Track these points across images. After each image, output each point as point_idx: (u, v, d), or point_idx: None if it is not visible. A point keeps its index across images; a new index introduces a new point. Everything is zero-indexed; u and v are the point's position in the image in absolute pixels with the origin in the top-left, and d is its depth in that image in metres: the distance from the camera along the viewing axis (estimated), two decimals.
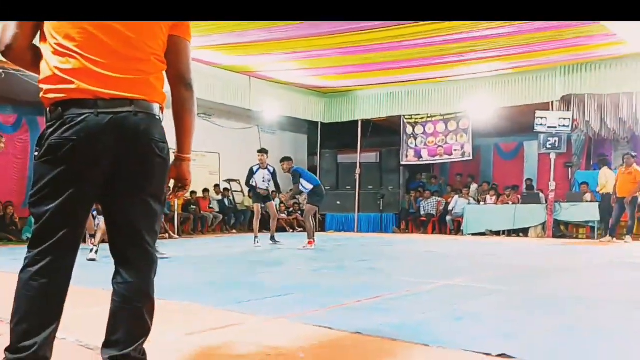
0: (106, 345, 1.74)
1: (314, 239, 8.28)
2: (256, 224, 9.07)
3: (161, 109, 1.80)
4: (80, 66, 1.64)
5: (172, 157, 1.85)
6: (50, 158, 1.63)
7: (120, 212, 1.75)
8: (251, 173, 9.10)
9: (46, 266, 1.65)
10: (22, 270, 1.66)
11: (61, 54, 1.65)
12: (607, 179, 10.68)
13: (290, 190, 10.05)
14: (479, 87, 12.04)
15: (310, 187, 8.45)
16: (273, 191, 9.65)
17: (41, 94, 1.69)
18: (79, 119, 1.62)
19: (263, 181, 9.06)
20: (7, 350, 1.63)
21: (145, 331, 1.76)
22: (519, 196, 12.34)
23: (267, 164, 9.10)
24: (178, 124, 1.85)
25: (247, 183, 9.33)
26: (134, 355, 1.71)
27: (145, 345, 1.80)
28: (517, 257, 7.43)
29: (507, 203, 12.29)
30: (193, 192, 12.47)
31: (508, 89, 11.72)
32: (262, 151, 9.26)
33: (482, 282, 4.67)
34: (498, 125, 12.82)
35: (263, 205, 9.21)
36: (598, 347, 2.50)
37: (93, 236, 8.29)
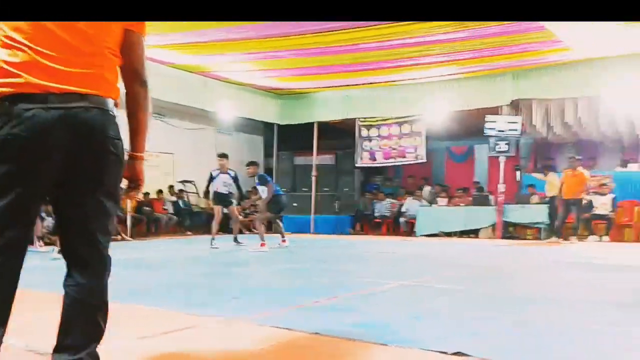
0: (57, 349, 1.67)
1: (265, 242, 8.25)
2: (215, 225, 8.96)
3: (115, 104, 1.73)
4: (29, 59, 1.56)
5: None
6: None
7: (72, 211, 1.68)
8: (211, 178, 9.00)
9: None
10: None
11: (9, 46, 1.57)
12: (553, 183, 11.14)
13: (251, 196, 10.02)
14: (432, 91, 12.27)
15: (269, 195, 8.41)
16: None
17: None
18: (28, 114, 1.55)
19: (224, 185, 8.97)
20: None
21: (98, 335, 1.70)
22: (470, 198, 12.66)
23: (228, 169, 9.01)
24: (131, 122, 1.80)
25: (207, 188, 9.22)
26: None
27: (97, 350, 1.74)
28: (469, 257, 7.61)
29: (459, 205, 12.58)
30: (146, 194, 12.17)
31: (460, 93, 11.99)
32: (223, 156, 9.13)
33: (438, 282, 4.76)
34: (450, 128, 13.11)
35: (225, 210, 9.11)
36: (552, 344, 2.58)
37: (40, 238, 8.02)
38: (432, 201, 13.26)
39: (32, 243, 9.25)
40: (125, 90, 1.79)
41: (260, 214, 8.79)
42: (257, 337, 2.59)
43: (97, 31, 1.65)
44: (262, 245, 8.14)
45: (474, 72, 11.51)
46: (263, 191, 8.51)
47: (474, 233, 12.01)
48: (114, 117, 1.71)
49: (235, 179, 9.05)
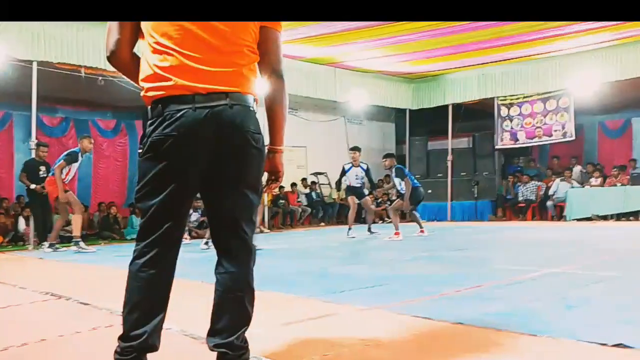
0: (211, 333, 1.77)
1: (399, 231, 8.15)
2: (351, 215, 9.07)
3: (255, 100, 1.80)
4: (177, 63, 1.67)
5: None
6: (152, 155, 1.69)
7: (219, 204, 1.78)
8: (343, 172, 9.10)
9: (153, 257, 1.71)
10: (131, 263, 1.74)
11: (159, 52, 1.69)
12: None
13: (383, 185, 9.97)
14: (580, 62, 11.22)
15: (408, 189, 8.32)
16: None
17: (142, 93, 1.75)
18: (178, 114, 1.66)
19: (356, 178, 9.03)
20: (119, 338, 1.71)
21: (246, 319, 1.79)
22: (628, 177, 11.37)
23: (360, 162, 9.04)
24: (270, 116, 1.85)
25: (338, 181, 9.34)
26: (237, 344, 1.73)
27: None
28: (628, 241, 6.85)
29: (615, 185, 11.38)
30: (281, 187, 12.69)
31: (612, 62, 10.81)
32: (355, 149, 9.16)
33: (592, 269, 4.34)
34: (603, 101, 11.87)
35: (358, 201, 9.19)
36: None
37: (187, 231, 8.76)
38: (583, 182, 12.15)
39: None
40: (263, 86, 1.84)
41: (396, 204, 8.71)
42: (397, 326, 2.55)
43: (236, 30, 1.72)
44: (397, 234, 8.08)
45: (627, 37, 10.29)
46: (399, 184, 8.43)
47: (634, 215, 10.79)
48: (254, 112, 1.78)
49: (367, 172, 9.06)
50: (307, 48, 10.36)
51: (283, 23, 1.86)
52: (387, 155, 8.82)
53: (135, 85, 1.83)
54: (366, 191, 9.58)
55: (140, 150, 1.74)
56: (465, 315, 2.67)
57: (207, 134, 1.67)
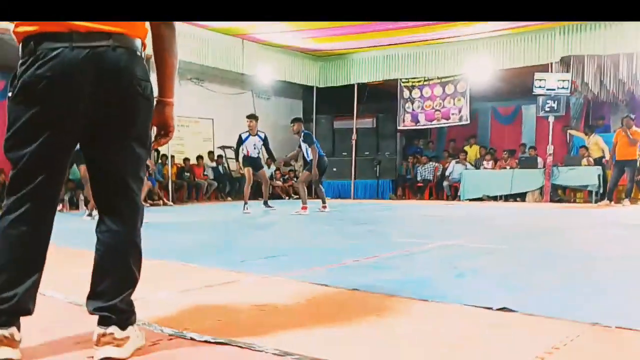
0: (91, 296, 1.64)
1: (306, 205, 8.20)
2: (247, 189, 8.78)
3: (143, 45, 1.66)
4: None
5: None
6: (23, 98, 1.51)
7: (102, 158, 1.63)
8: (240, 141, 8.78)
9: (25, 213, 1.54)
10: None
11: None
12: (597, 144, 10.72)
13: (287, 155, 9.90)
14: (477, 49, 11.82)
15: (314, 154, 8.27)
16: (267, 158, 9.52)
17: (12, 28, 1.55)
18: (53, 53, 1.49)
19: (254, 148, 8.74)
20: None
21: (132, 282, 1.67)
22: (517, 161, 12.26)
23: (258, 130, 8.76)
24: (159, 64, 1.72)
25: (236, 151, 9.05)
26: (120, 307, 1.61)
27: (137, 301, 1.71)
28: (515, 219, 7.38)
29: (505, 168, 12.21)
30: (186, 159, 12.33)
31: (506, 50, 11.51)
32: (252, 117, 8.82)
33: (482, 242, 4.61)
34: (496, 88, 12.64)
35: (255, 173, 8.93)
36: (594, 299, 2.44)
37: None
38: (477, 164, 12.92)
39: (78, 207, 9.56)
40: (151, 32, 1.71)
41: (303, 176, 8.67)
42: (296, 293, 2.54)
43: None
44: (304, 208, 8.09)
45: (521, 27, 10.98)
46: (306, 150, 8.36)
47: (520, 197, 11.66)
48: (141, 57, 1.63)
49: (265, 141, 8.79)
50: None
51: None
52: (295, 120, 8.66)
53: None
54: (265, 164, 9.40)
55: (10, 93, 1.54)
56: (362, 282, 2.72)
57: (86, 77, 1.51)
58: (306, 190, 8.51)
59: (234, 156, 13.43)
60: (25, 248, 1.55)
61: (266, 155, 9.27)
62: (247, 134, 8.74)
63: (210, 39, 11.13)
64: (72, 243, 4.01)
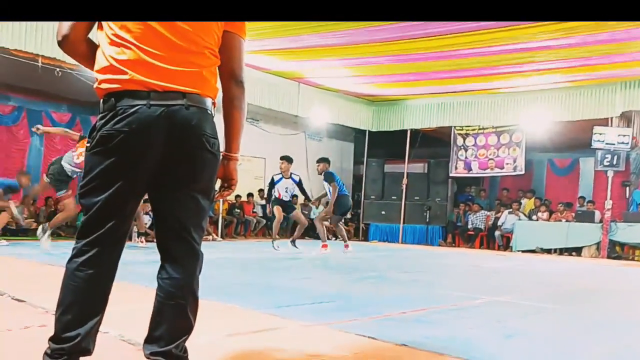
0: (148, 340, 1.71)
1: (326, 243, 8.02)
2: (277, 226, 8.52)
3: (213, 104, 1.76)
4: (135, 57, 1.61)
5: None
6: (101, 149, 1.62)
7: (167, 206, 1.71)
8: (272, 183, 8.46)
9: (93, 257, 1.64)
10: (69, 261, 1.66)
11: (117, 44, 1.63)
12: None
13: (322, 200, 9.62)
14: (534, 100, 11.67)
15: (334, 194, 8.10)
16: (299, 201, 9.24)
17: (95, 85, 1.68)
18: (131, 110, 1.60)
19: (286, 192, 8.42)
20: (50, 340, 1.63)
21: (187, 329, 1.73)
22: (573, 214, 11.85)
23: (292, 173, 8.45)
24: (227, 122, 1.81)
25: (269, 192, 8.66)
26: (175, 353, 1.67)
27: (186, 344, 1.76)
28: (569, 276, 7.10)
29: (560, 220, 11.82)
30: (238, 196, 12.58)
31: (565, 103, 11.30)
32: (285, 158, 8.45)
33: (532, 300, 4.46)
34: (553, 140, 12.36)
35: (287, 215, 8.63)
36: None
37: (143, 234, 8.47)
38: (531, 215, 12.57)
39: (130, 239, 9.87)
40: (222, 91, 1.81)
41: (320, 214, 8.48)
42: (341, 344, 2.54)
43: (197, 30, 1.68)
44: (324, 247, 7.89)
45: (580, 80, 10.80)
46: (327, 188, 8.20)
47: (576, 251, 11.21)
48: (211, 115, 1.74)
49: (300, 184, 8.51)
50: (272, 60, 10.36)
51: (251, 33, 1.84)
52: (321, 160, 8.38)
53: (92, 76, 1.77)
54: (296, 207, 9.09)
55: (88, 144, 1.66)
56: (409, 338, 2.69)
57: (160, 133, 1.61)
58: (325, 227, 8.27)
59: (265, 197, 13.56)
60: (90, 290, 1.64)
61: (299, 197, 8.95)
62: (280, 176, 8.45)
63: (267, 81, 11.47)
64: (126, 277, 4.16)
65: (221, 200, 11.85)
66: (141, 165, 1.63)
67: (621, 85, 10.61)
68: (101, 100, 1.67)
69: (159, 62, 1.63)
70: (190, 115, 1.65)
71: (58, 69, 8.38)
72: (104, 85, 1.65)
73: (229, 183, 1.86)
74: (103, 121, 1.63)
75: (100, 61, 1.66)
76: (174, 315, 1.69)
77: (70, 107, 11.34)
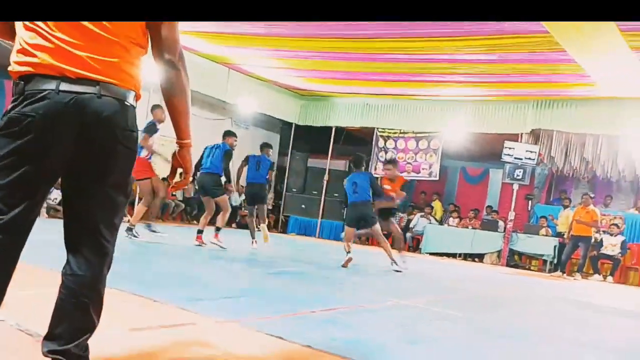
0: (48, 337, 1.64)
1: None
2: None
3: (136, 96, 1.70)
4: (47, 42, 1.54)
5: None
6: (8, 132, 1.53)
7: (77, 200, 1.65)
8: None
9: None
10: None
11: (31, 29, 1.55)
12: (567, 218, 11.07)
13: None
14: (453, 110, 12.21)
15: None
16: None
17: (9, 67, 1.60)
18: (39, 95, 1.52)
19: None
20: None
21: (89, 328, 1.67)
22: (479, 221, 12.55)
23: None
24: (168, 109, 1.75)
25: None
26: (74, 352, 1.61)
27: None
28: (473, 282, 7.52)
29: (468, 227, 12.48)
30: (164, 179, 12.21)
31: (481, 116, 11.92)
32: (157, 107, 7.35)
33: (438, 305, 4.69)
34: (467, 149, 13.03)
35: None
36: None
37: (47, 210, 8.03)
38: (442, 220, 13.17)
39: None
40: (160, 77, 1.73)
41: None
42: (249, 343, 2.56)
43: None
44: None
45: (497, 95, 11.44)
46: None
47: (478, 257, 11.90)
48: (130, 107, 1.66)
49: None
50: (203, 43, 10.13)
51: None
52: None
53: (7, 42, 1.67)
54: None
55: None
56: (316, 339, 2.75)
57: (68, 122, 1.54)
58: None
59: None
60: None
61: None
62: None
63: (197, 64, 11.19)
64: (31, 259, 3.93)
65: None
66: (48, 152, 1.55)
67: (533, 104, 11.34)
68: (13, 83, 1.58)
69: (74, 49, 1.55)
70: (102, 105, 1.57)
71: None
72: (16, 68, 1.57)
73: (185, 171, 1.82)
74: (13, 104, 1.55)
75: (16, 45, 1.59)
76: (75, 313, 1.63)
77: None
